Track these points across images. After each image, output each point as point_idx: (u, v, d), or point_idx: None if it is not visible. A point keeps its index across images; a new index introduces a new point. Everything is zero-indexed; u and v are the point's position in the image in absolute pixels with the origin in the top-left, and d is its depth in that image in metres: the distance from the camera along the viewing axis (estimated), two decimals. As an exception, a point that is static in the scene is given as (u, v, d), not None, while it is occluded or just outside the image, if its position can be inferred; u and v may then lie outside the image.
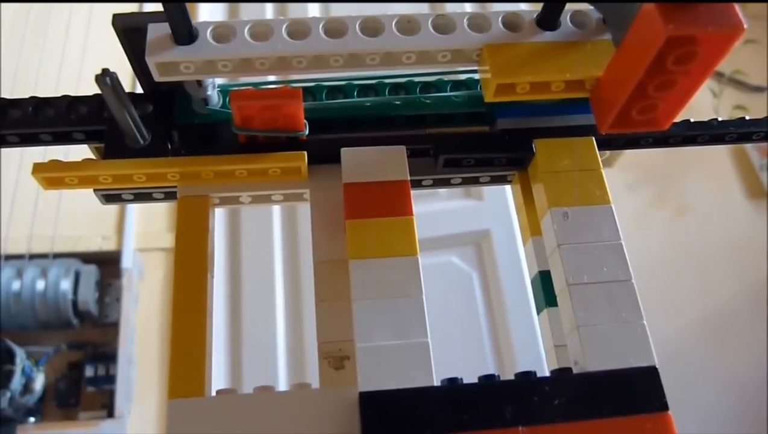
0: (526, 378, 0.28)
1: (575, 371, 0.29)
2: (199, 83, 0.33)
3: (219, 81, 0.35)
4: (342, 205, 0.32)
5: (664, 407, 0.27)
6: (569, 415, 0.27)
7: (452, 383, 0.28)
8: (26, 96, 0.34)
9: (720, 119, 0.37)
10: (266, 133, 0.33)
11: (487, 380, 0.28)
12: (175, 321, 0.29)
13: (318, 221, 0.33)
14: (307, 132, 0.33)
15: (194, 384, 0.28)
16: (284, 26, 0.30)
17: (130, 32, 0.30)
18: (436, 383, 0.28)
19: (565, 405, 0.27)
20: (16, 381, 1.03)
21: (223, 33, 0.30)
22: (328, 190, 0.33)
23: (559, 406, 0.27)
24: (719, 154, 1.61)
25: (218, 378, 1.20)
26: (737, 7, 0.24)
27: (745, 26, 0.23)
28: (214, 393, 0.28)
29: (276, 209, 1.35)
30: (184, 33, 0.29)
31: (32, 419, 1.09)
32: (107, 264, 1.19)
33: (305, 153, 0.32)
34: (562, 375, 0.28)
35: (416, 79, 0.36)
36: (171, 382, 0.28)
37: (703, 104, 1.54)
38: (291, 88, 0.32)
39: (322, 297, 0.31)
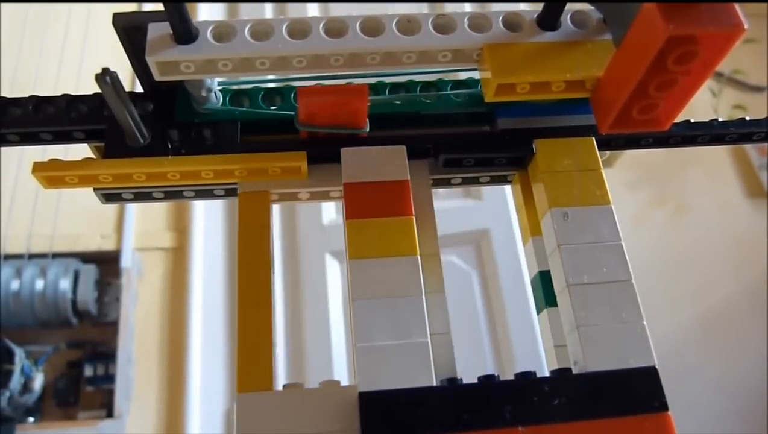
0: (526, 378, 0.28)
1: (575, 371, 0.29)
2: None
3: (218, 79, 0.35)
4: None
5: (664, 407, 0.27)
6: (569, 415, 0.27)
7: (452, 383, 0.28)
8: (26, 95, 0.34)
9: (720, 119, 0.37)
10: (328, 129, 0.33)
11: (487, 380, 0.28)
12: (241, 316, 0.29)
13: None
14: (368, 129, 0.33)
15: (262, 378, 0.28)
16: (285, 26, 0.30)
17: (131, 31, 0.30)
18: (436, 383, 0.28)
19: (564, 405, 0.27)
20: (16, 381, 1.03)
21: (223, 32, 0.30)
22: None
23: (559, 406, 0.27)
24: (719, 153, 1.61)
25: (219, 378, 1.20)
26: (737, 6, 0.24)
27: (746, 26, 0.23)
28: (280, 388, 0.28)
29: (275, 209, 1.35)
30: (185, 32, 0.29)
31: (31, 418, 1.09)
32: (106, 263, 1.19)
33: (305, 153, 0.32)
34: (561, 375, 0.28)
35: (416, 79, 0.36)
36: (240, 377, 0.28)
37: (702, 104, 1.54)
38: (357, 84, 0.32)
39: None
